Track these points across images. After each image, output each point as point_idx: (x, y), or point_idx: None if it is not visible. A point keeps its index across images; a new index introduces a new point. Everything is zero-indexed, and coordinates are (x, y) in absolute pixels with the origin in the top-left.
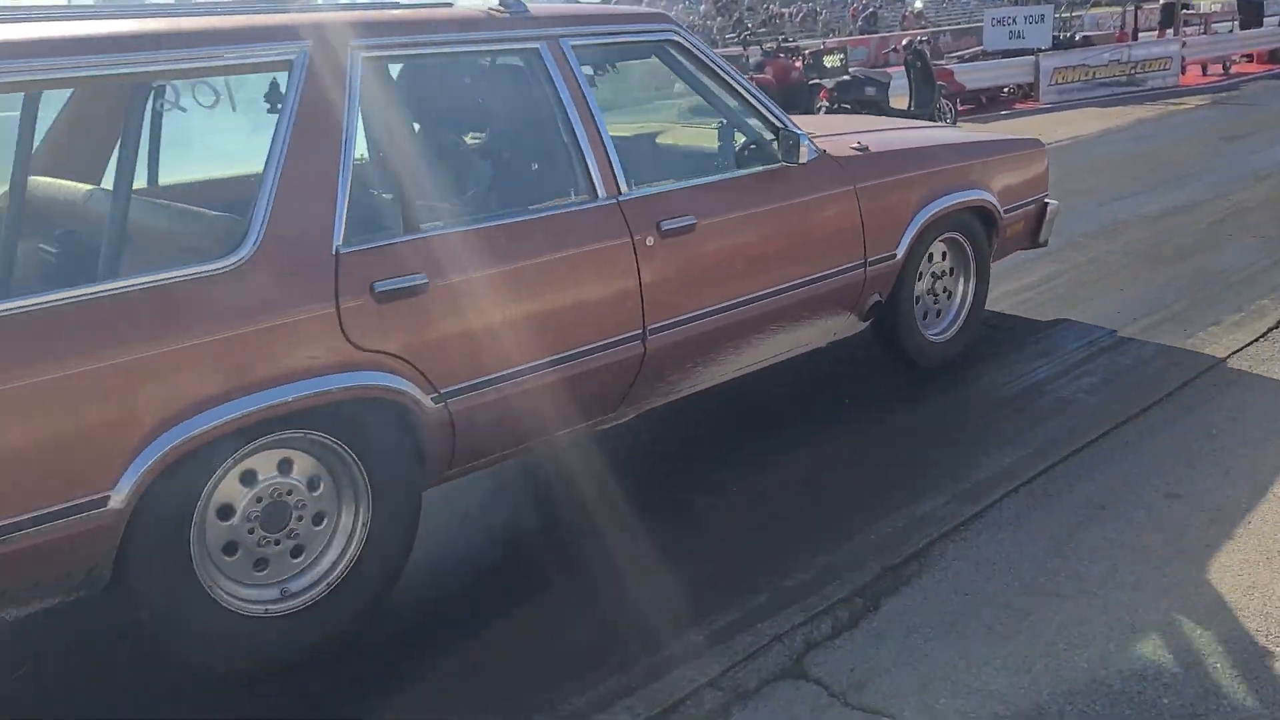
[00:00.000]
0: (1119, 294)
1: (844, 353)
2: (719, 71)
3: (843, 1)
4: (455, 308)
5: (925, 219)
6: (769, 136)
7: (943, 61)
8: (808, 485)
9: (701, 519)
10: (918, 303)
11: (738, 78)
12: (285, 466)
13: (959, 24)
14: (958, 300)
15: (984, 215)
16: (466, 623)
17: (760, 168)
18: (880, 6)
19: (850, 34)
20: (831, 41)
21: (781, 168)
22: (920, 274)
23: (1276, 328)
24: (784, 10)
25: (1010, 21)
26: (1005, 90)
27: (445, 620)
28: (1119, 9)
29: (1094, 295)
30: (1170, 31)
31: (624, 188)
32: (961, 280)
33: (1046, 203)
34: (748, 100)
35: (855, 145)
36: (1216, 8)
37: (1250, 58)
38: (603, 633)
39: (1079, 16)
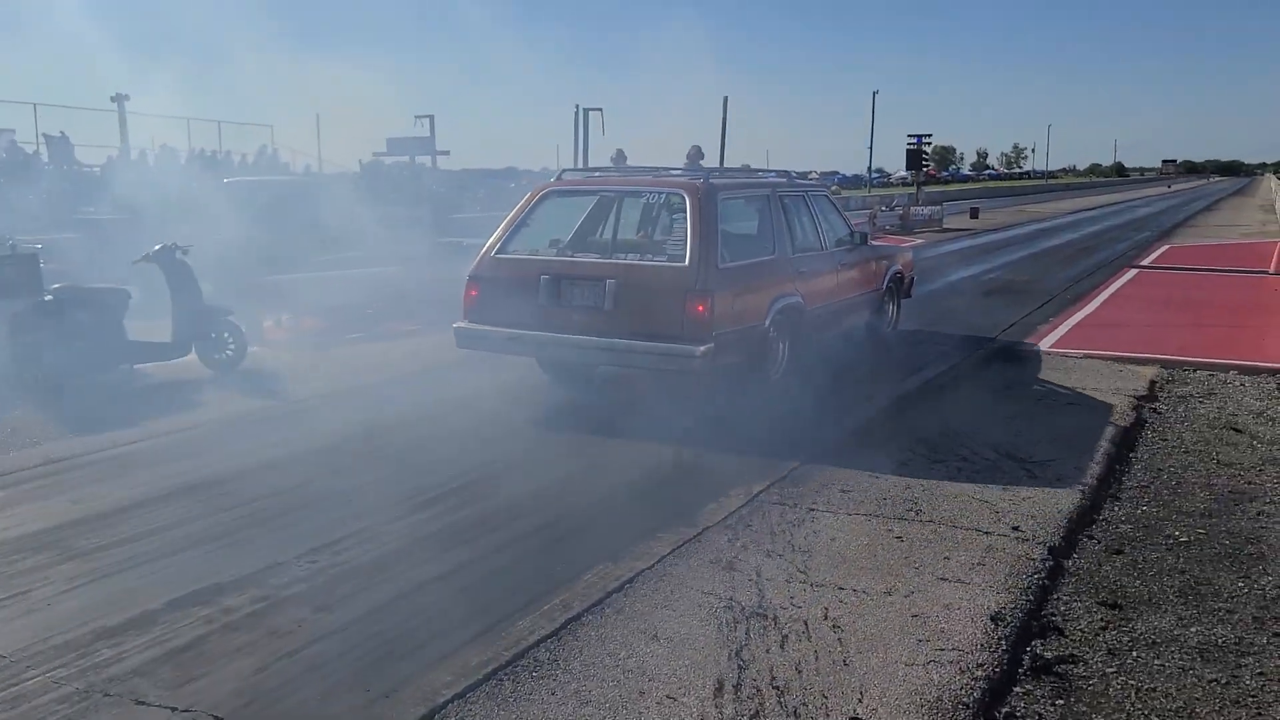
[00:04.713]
0: None
1: None
2: (837, 208)
3: None
4: (809, 280)
5: (891, 272)
6: (851, 234)
7: None
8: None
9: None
10: (887, 310)
11: (841, 211)
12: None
13: None
14: (892, 310)
15: (899, 277)
16: None
17: (852, 245)
18: None
19: None
20: None
21: (860, 246)
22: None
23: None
24: None
25: None
26: None
27: None
28: None
29: None
30: None
31: (830, 247)
32: (892, 304)
33: (913, 276)
34: (844, 219)
35: (869, 245)
36: None
37: None
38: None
39: None
